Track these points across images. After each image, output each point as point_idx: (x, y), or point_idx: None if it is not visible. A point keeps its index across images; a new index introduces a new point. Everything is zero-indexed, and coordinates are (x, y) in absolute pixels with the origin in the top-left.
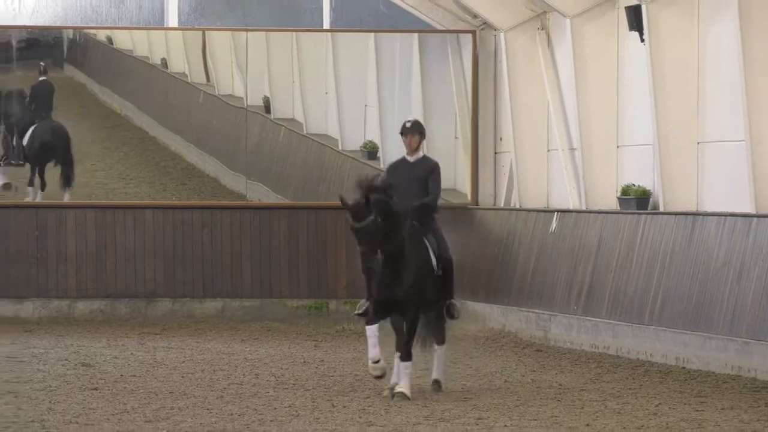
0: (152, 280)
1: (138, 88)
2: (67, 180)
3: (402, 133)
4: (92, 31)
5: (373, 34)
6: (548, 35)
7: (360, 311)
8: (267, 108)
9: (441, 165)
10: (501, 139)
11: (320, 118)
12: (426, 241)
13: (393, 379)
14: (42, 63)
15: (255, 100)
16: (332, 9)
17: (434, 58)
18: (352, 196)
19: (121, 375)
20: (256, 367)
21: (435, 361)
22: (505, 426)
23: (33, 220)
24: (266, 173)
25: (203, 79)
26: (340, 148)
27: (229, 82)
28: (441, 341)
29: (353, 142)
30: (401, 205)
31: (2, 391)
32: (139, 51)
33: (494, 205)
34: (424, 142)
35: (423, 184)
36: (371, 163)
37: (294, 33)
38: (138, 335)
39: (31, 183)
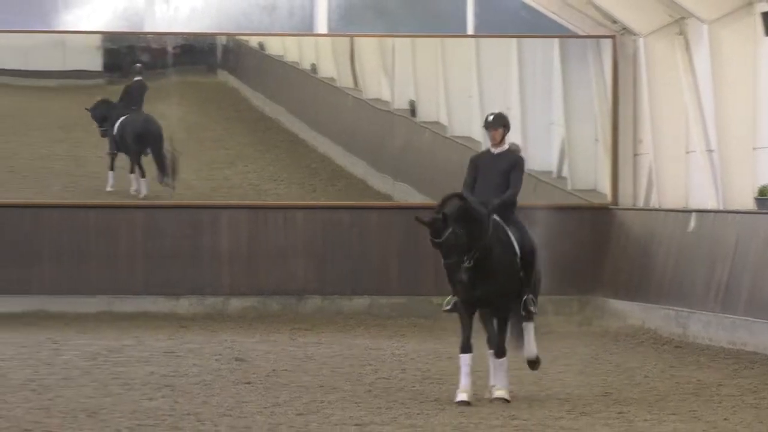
0: (303, 278)
1: (288, 92)
2: (161, 168)
3: (485, 127)
4: (245, 38)
5: (515, 39)
6: (686, 40)
7: (448, 307)
8: (413, 111)
9: (581, 167)
10: (640, 141)
11: (463, 121)
12: (510, 234)
13: (491, 381)
14: (138, 65)
15: (401, 103)
16: (475, 15)
17: (575, 62)
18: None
19: (273, 369)
20: (403, 362)
21: (525, 339)
22: (645, 420)
23: (188, 219)
24: (412, 174)
25: (351, 84)
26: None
27: (376, 86)
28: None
29: None
30: (483, 196)
31: (160, 384)
32: (289, 57)
33: (634, 205)
34: (509, 135)
35: (505, 177)
36: None
37: (439, 39)
38: (289, 331)
39: (131, 170)
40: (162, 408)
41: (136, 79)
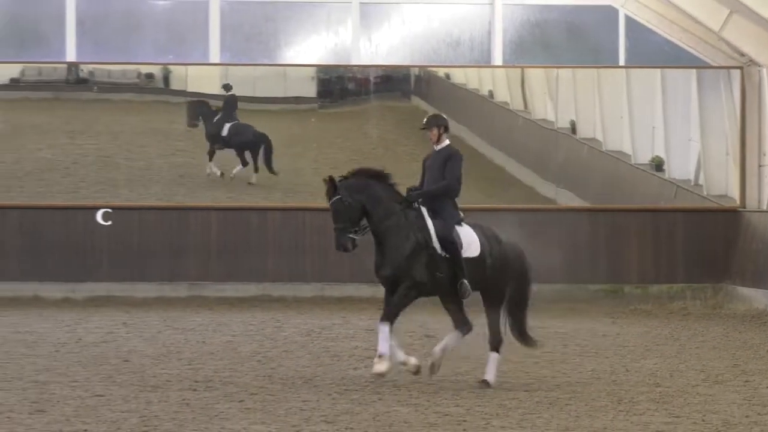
0: None
1: (470, 114)
2: (267, 162)
3: (422, 129)
4: (434, 69)
5: (659, 69)
6: None
7: None
8: (573, 129)
9: (715, 176)
10: (764, 154)
11: (616, 138)
12: (429, 225)
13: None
14: (228, 83)
15: (563, 123)
16: (626, 49)
17: (709, 89)
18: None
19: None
20: (564, 339)
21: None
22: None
23: None
24: (572, 182)
25: (522, 107)
26: (632, 162)
27: (542, 108)
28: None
29: (643, 156)
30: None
31: (362, 356)
32: (470, 84)
33: (758, 208)
34: (446, 134)
35: (442, 171)
36: (658, 174)
37: (595, 69)
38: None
39: (243, 164)
40: (364, 376)
41: (228, 93)
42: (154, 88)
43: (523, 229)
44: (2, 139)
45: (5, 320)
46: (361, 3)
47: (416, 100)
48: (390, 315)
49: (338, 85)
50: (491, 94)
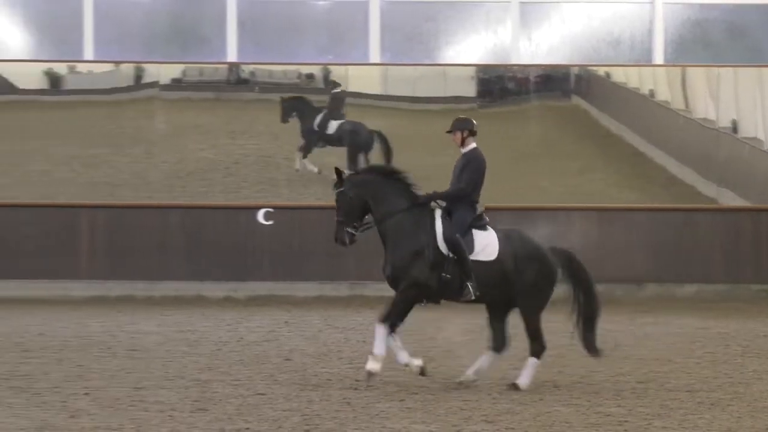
0: (642, 268)
1: (630, 113)
2: (387, 161)
3: (447, 132)
4: (594, 68)
5: None
6: None
7: None
8: (734, 129)
9: None
10: None
11: None
12: (436, 227)
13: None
14: (335, 80)
15: (725, 122)
16: None
17: None
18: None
19: (616, 345)
20: (726, 340)
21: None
22: None
23: (522, 219)
24: (734, 181)
25: (683, 106)
26: None
27: (703, 108)
28: None
29: None
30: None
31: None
32: (631, 83)
33: None
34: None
35: (461, 175)
36: None
37: (757, 68)
38: (629, 313)
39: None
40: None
41: (337, 90)
42: (314, 88)
43: (684, 229)
44: (164, 140)
45: (169, 319)
46: (520, 2)
47: (576, 100)
48: (388, 315)
49: (498, 85)
50: (652, 93)
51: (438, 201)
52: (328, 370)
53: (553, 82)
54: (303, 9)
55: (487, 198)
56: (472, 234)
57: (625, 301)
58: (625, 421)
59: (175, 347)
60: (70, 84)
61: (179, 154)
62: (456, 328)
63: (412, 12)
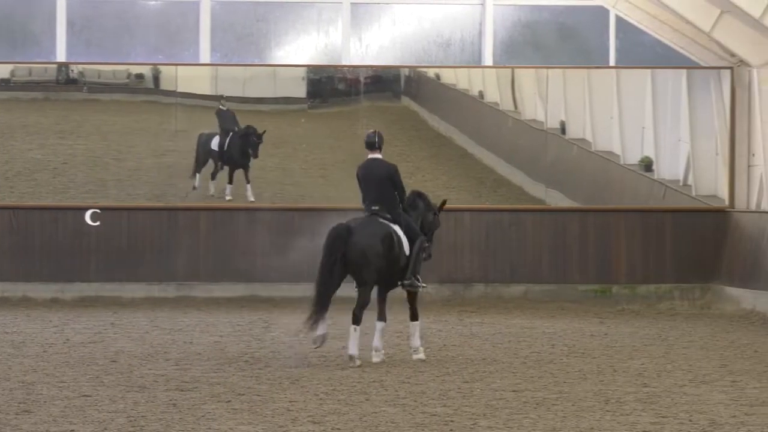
0: (469, 269)
1: (460, 114)
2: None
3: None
4: (424, 69)
5: (650, 70)
6: None
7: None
8: (563, 130)
9: (704, 176)
10: (753, 154)
11: (605, 138)
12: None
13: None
14: (223, 96)
15: (553, 123)
16: (617, 50)
17: (699, 89)
18: None
19: (444, 345)
20: (552, 339)
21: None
22: (755, 388)
23: None
24: (561, 182)
25: (512, 107)
26: (621, 162)
27: (532, 109)
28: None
29: (632, 157)
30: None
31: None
32: (461, 85)
33: (747, 208)
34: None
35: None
36: (647, 174)
37: (585, 69)
38: (457, 313)
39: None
40: (352, 377)
41: (222, 108)
42: (144, 89)
43: (510, 229)
44: None
45: None
46: (351, 3)
47: (406, 101)
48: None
49: (328, 86)
50: (481, 95)
51: None
52: (154, 371)
53: (383, 83)
54: (134, 9)
55: (319, 199)
56: None
57: (453, 302)
58: (451, 421)
59: (0, 349)
60: None
61: (7, 155)
62: (281, 330)
63: (243, 12)
